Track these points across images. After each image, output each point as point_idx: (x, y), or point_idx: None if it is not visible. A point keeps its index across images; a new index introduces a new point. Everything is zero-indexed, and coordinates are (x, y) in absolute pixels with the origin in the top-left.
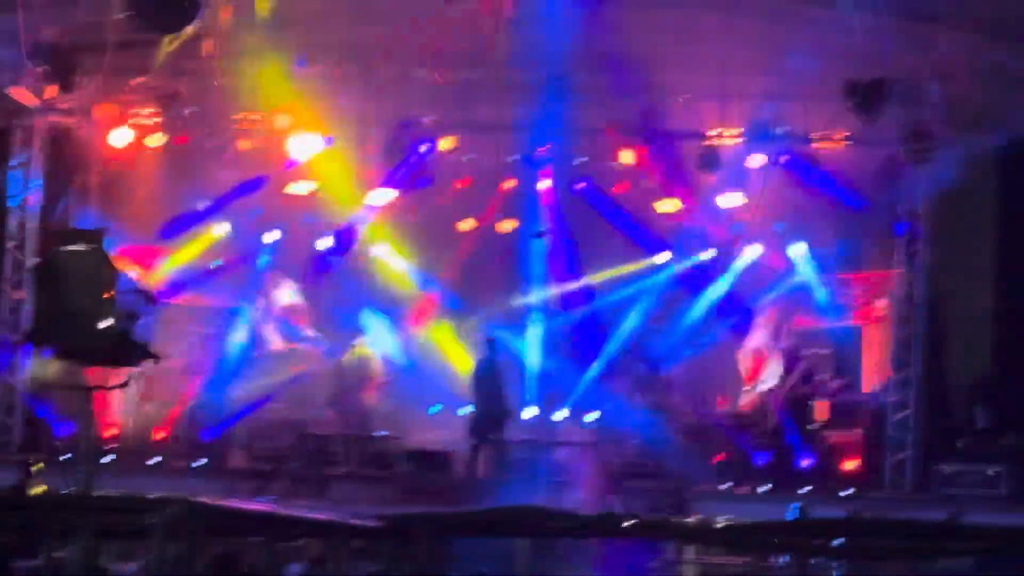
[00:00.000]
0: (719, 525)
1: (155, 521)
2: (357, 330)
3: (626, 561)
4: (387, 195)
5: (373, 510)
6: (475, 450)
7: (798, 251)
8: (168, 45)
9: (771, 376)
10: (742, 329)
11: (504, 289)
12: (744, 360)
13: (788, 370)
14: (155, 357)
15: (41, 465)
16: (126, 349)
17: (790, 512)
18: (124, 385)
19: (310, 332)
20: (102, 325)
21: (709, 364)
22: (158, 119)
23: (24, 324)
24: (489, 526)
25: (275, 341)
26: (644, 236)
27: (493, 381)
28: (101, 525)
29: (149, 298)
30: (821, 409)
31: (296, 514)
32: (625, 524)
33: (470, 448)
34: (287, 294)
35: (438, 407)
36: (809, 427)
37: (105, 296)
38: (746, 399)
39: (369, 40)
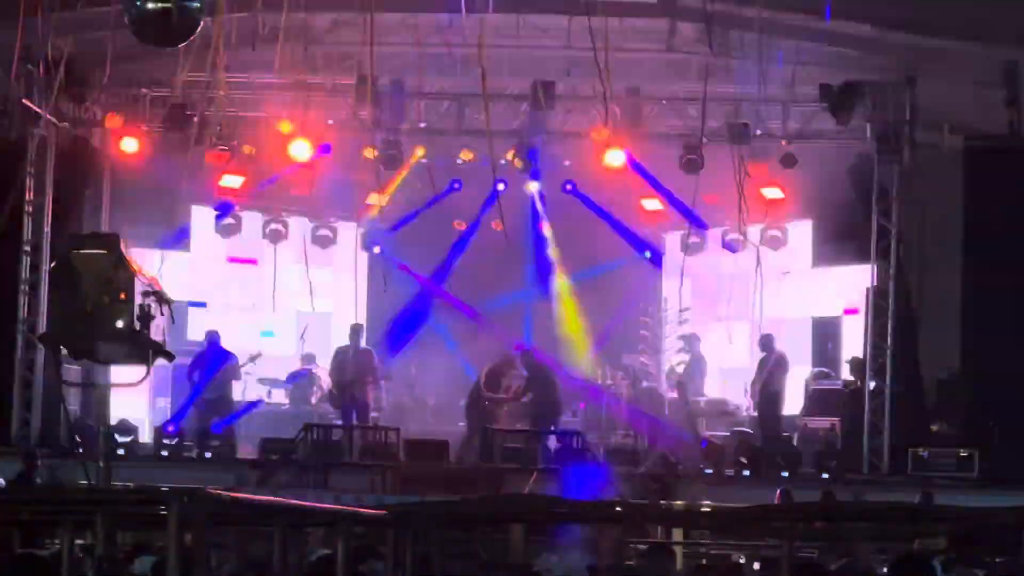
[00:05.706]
0: (704, 510)
1: (168, 512)
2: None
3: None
4: (382, 199)
5: (374, 499)
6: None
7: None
8: (184, 59)
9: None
10: None
11: (497, 286)
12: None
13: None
14: (169, 356)
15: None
16: (141, 348)
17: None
18: (140, 383)
19: None
20: (118, 325)
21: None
22: (165, 127)
23: (41, 325)
24: (487, 515)
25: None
26: (629, 234)
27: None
28: (117, 516)
29: (163, 299)
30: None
31: (303, 504)
32: (618, 509)
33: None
34: None
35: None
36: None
37: (121, 297)
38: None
39: (365, 51)
